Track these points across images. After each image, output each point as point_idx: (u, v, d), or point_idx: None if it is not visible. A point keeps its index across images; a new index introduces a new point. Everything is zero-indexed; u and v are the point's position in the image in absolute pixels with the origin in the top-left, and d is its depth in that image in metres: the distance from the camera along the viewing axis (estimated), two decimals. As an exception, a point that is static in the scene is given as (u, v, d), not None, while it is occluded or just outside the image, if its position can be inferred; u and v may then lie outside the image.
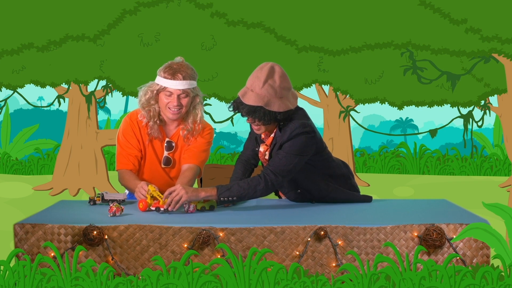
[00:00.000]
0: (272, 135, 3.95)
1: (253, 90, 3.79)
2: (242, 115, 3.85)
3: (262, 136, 4.03)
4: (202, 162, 4.28)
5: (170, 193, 3.71)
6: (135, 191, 4.00)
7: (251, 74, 3.85)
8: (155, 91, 4.13)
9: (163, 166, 4.27)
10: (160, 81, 4.11)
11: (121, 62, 8.16)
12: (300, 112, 3.94)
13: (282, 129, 3.88)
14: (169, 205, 3.69)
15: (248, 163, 4.24)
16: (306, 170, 3.94)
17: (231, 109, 3.90)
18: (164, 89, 4.10)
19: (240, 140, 14.45)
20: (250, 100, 3.78)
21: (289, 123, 3.87)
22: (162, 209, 3.70)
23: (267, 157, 4.00)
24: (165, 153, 4.26)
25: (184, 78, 4.08)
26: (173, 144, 4.24)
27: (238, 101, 3.85)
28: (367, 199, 4.14)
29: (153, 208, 3.73)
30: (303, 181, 3.99)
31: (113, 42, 8.08)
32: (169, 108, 4.12)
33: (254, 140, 4.18)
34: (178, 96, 4.09)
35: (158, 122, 4.19)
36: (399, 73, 8.07)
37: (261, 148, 4.04)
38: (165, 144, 4.24)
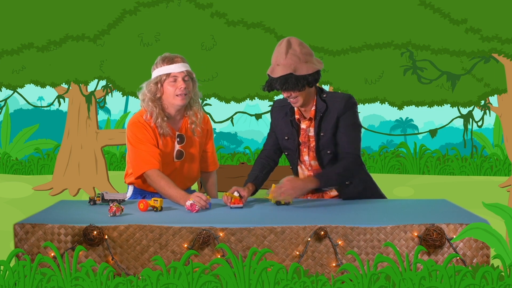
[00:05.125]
0: (313, 108, 4.09)
1: (279, 64, 3.94)
2: (277, 89, 3.99)
3: (297, 116, 4.15)
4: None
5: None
6: (194, 201, 3.79)
7: (273, 53, 4.01)
8: (159, 83, 4.16)
9: (175, 160, 4.28)
10: (161, 70, 4.16)
11: (121, 62, 8.16)
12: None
13: (327, 100, 4.07)
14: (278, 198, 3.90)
15: (269, 159, 4.32)
16: None
17: (265, 89, 4.05)
18: (168, 76, 4.16)
19: (240, 140, 14.42)
20: (279, 72, 3.93)
21: (333, 93, 4.09)
22: (241, 205, 3.90)
23: (311, 133, 4.12)
24: (177, 147, 4.28)
25: (182, 61, 4.20)
26: (184, 137, 4.27)
27: (269, 80, 3.99)
28: (384, 197, 4.31)
29: (233, 206, 3.89)
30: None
31: (113, 42, 8.08)
32: (177, 95, 4.16)
33: (275, 136, 4.28)
34: (183, 78, 4.16)
35: (165, 119, 4.21)
36: (399, 73, 8.07)
37: (303, 125, 4.15)
38: (177, 139, 4.26)
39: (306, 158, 4.15)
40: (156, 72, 4.18)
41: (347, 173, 4.04)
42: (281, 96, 4.27)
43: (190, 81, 4.20)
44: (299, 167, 4.23)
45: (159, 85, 4.17)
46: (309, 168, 4.17)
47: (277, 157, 4.33)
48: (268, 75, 3.99)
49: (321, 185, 3.98)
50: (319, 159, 4.09)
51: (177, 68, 4.16)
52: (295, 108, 4.14)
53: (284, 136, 4.20)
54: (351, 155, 4.05)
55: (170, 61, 4.17)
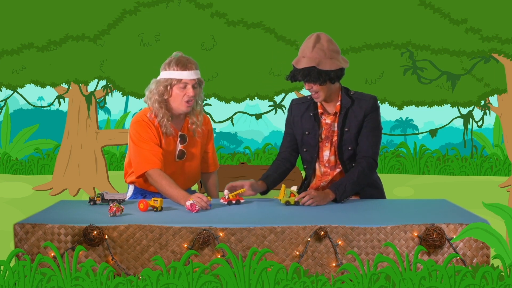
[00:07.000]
0: (338, 103, 4.16)
1: (305, 56, 4.03)
2: (299, 80, 4.08)
3: (320, 111, 4.19)
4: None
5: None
6: (194, 201, 3.77)
7: (301, 45, 4.09)
8: (168, 86, 4.16)
9: (177, 159, 4.28)
10: (173, 74, 4.16)
11: (121, 62, 8.16)
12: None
13: (354, 97, 4.15)
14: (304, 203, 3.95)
15: (284, 161, 4.33)
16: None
17: (288, 78, 4.13)
18: (179, 81, 4.16)
19: (240, 140, 14.41)
20: (303, 64, 4.03)
21: (360, 92, 4.19)
22: (234, 201, 3.97)
23: (335, 128, 4.16)
24: (179, 146, 4.28)
25: (195, 68, 4.20)
26: (186, 137, 4.27)
27: (293, 70, 4.08)
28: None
29: (224, 202, 3.96)
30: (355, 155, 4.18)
31: (113, 42, 8.08)
32: (185, 101, 4.17)
33: (290, 137, 4.31)
34: (193, 86, 4.17)
35: (170, 119, 4.21)
36: (399, 73, 8.06)
37: (328, 120, 4.18)
38: (179, 138, 4.27)
39: (326, 153, 4.18)
40: (168, 74, 4.17)
41: (361, 180, 4.07)
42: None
43: (198, 87, 4.22)
44: (316, 164, 4.24)
45: (168, 88, 4.17)
46: (326, 164, 4.19)
47: (293, 158, 4.34)
48: (293, 65, 4.07)
49: (338, 197, 4.00)
50: (339, 154, 4.13)
51: (189, 75, 4.16)
52: (318, 103, 4.18)
53: (304, 132, 4.22)
54: (367, 160, 4.10)
55: (183, 66, 4.15)
